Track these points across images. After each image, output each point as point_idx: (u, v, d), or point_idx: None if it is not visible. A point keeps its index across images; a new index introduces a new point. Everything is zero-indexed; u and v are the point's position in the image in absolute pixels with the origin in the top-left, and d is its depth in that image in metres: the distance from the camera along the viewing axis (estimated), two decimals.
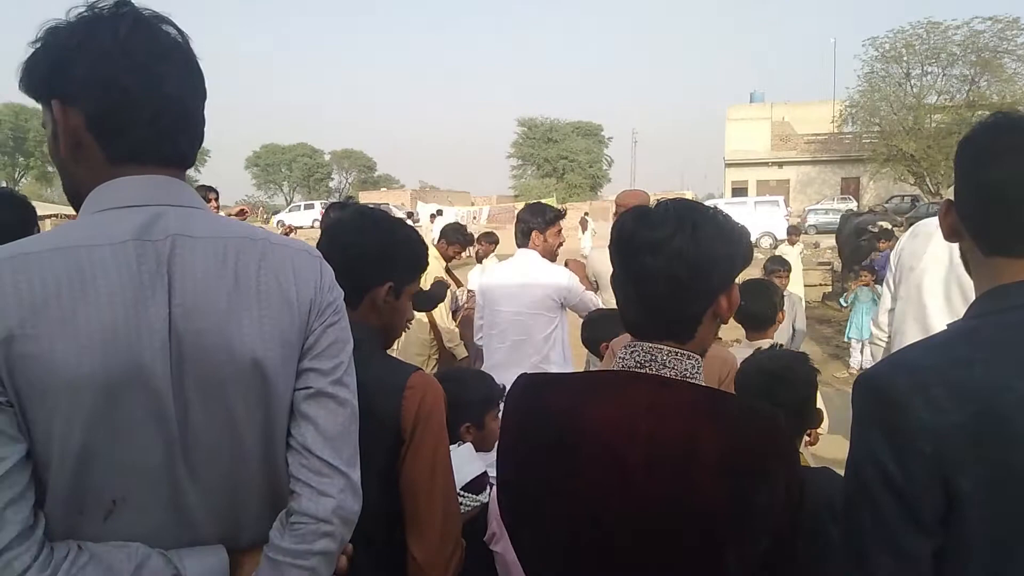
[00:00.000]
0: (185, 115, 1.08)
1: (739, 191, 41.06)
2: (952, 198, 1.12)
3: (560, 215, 3.79)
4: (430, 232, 16.43)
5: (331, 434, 1.09)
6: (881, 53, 32.32)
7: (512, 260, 3.76)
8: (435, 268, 5.40)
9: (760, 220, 24.12)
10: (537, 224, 3.65)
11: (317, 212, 39.39)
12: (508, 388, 1.28)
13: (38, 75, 1.03)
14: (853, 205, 31.59)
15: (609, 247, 1.21)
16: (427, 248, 1.65)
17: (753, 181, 42.52)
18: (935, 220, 2.94)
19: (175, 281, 1.00)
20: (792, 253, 11.14)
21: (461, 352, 5.00)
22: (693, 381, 1.13)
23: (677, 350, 1.14)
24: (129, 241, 0.98)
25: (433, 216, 24.98)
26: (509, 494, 1.26)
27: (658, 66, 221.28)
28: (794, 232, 11.81)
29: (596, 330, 3.09)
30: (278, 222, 38.72)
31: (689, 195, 48.99)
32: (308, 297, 1.09)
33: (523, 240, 3.66)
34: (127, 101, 1.01)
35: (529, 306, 3.56)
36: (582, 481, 1.11)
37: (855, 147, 38.47)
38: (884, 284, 3.15)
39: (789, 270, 5.57)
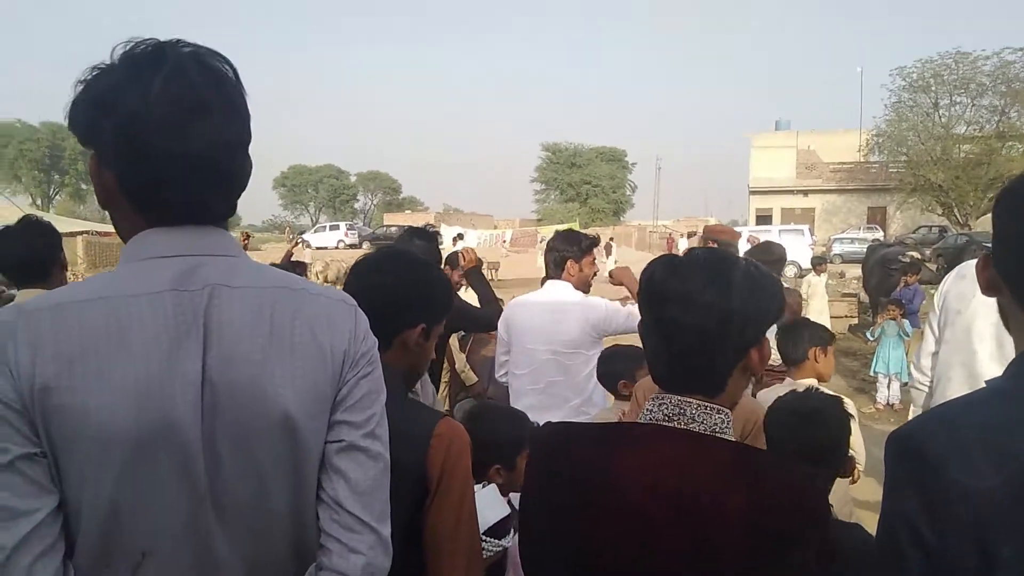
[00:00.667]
0: (217, 172, 1.04)
1: (764, 219, 40.82)
2: (990, 252, 1.10)
3: (595, 242, 3.51)
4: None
5: (362, 489, 1.07)
6: (909, 83, 32.18)
7: (543, 293, 3.42)
8: None
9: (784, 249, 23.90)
10: (573, 253, 3.35)
11: (342, 233, 39.82)
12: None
13: (77, 126, 1.04)
14: (879, 235, 31.28)
15: (639, 295, 1.19)
16: (453, 287, 1.63)
17: (778, 209, 42.26)
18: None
19: (211, 332, 0.99)
20: (819, 284, 10.98)
21: (471, 377, 4.98)
22: (723, 436, 1.11)
23: (706, 404, 1.11)
24: (167, 292, 0.98)
25: (455, 239, 25.12)
26: (531, 546, 1.25)
27: (683, 93, 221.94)
28: (820, 262, 11.66)
29: (613, 364, 2.97)
30: (300, 241, 39.28)
31: (712, 222, 48.83)
32: (342, 348, 1.08)
33: (556, 271, 3.37)
34: (152, 167, 0.99)
35: (565, 345, 3.24)
36: (605, 536, 1.09)
37: (882, 176, 38.18)
38: (927, 326, 3.03)
39: (798, 300, 5.54)
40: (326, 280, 13.25)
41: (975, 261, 2.86)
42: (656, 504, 1.06)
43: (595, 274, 3.49)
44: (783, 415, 1.96)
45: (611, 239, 25.94)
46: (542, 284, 3.55)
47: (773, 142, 45.28)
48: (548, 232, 40.14)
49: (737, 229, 28.78)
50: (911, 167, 32.03)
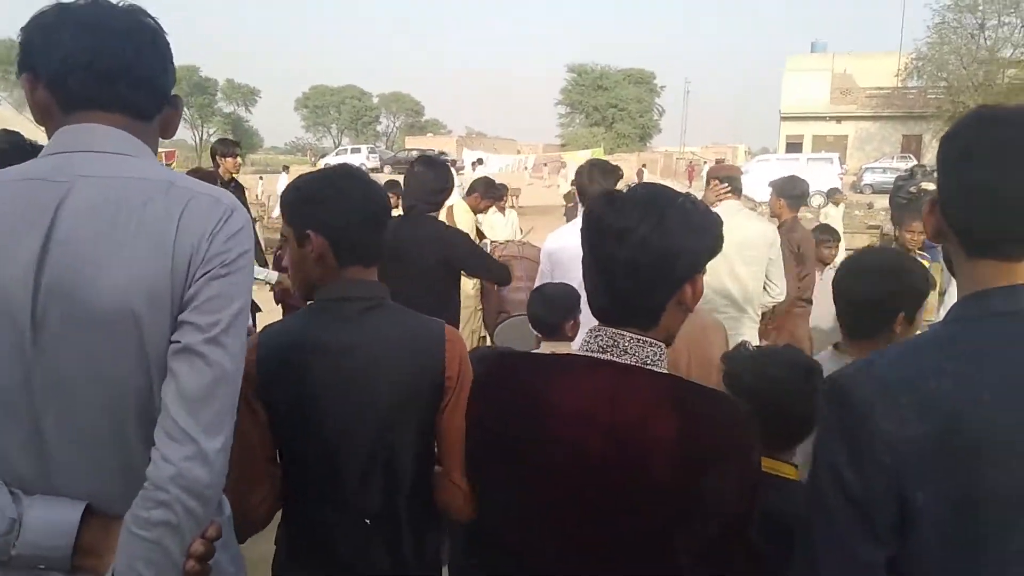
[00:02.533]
0: (127, 64, 1.13)
1: (794, 146, 39.73)
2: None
3: (620, 175, 3.52)
4: (471, 179, 16.26)
5: (191, 395, 1.04)
6: (955, 1, 30.60)
7: (580, 224, 3.41)
8: (466, 221, 5.38)
9: (812, 178, 23.30)
10: (609, 185, 3.35)
11: (364, 156, 39.60)
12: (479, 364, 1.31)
13: (20, 55, 1.16)
14: (913, 164, 30.44)
15: (582, 232, 1.23)
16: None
17: (809, 136, 41.09)
18: None
19: (58, 218, 1.04)
20: (836, 215, 10.83)
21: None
22: (653, 368, 1.15)
23: (640, 337, 1.15)
24: (36, 180, 1.08)
25: (475, 164, 24.84)
26: (474, 463, 1.33)
27: (716, 12, 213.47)
28: (836, 192, 11.54)
29: (555, 306, 2.76)
30: (324, 165, 38.97)
31: (742, 149, 47.71)
32: (190, 244, 1.06)
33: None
34: (67, 53, 1.10)
35: None
36: (541, 464, 1.14)
37: (919, 103, 36.76)
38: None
39: (838, 239, 5.33)
40: None
41: None
42: (590, 433, 1.11)
43: None
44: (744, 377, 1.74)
45: (643, 166, 25.64)
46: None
47: (807, 65, 43.58)
48: (572, 158, 39.49)
49: (763, 159, 28.12)
50: (950, 93, 30.85)
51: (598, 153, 43.99)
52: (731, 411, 1.15)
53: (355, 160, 39.33)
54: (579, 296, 2.76)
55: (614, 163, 3.60)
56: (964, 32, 31.05)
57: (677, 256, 1.13)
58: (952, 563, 0.94)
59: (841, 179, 22.33)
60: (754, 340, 3.88)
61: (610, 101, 59.14)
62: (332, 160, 39.38)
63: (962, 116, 1.04)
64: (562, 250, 3.37)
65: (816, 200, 22.59)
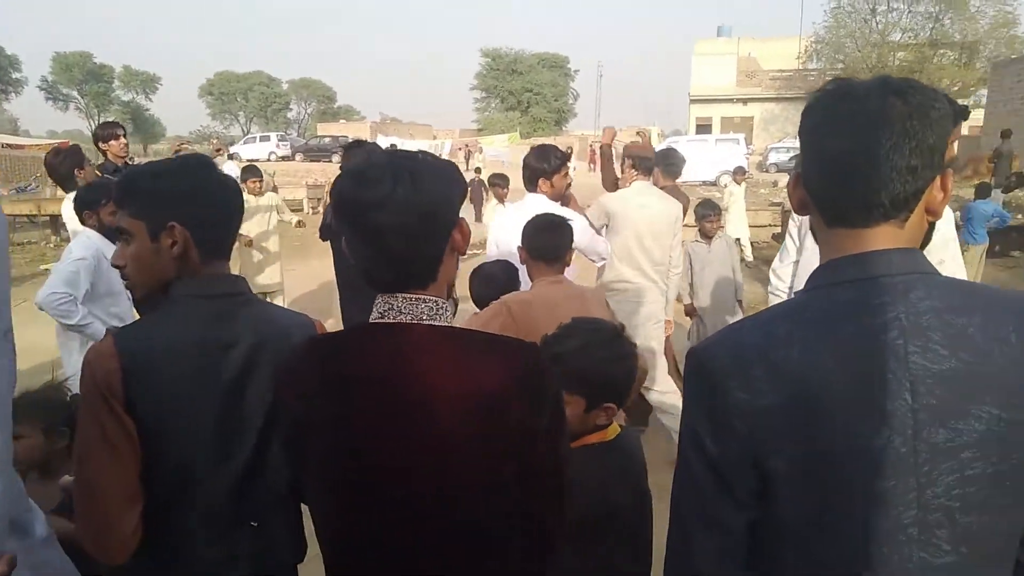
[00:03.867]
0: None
1: (704, 128, 40.91)
2: (799, 171, 1.09)
3: (567, 157, 3.69)
4: None
5: None
6: None
7: (522, 205, 3.59)
8: None
9: (720, 158, 24.10)
10: (544, 171, 3.57)
11: (273, 144, 38.28)
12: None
13: None
14: None
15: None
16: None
17: (718, 118, 42.39)
18: None
19: None
20: (739, 192, 11.45)
21: None
22: (430, 323, 1.18)
23: (413, 296, 1.19)
24: None
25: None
26: (290, 449, 1.29)
27: None
28: (740, 172, 12.27)
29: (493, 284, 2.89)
30: (232, 154, 37.62)
31: (655, 131, 48.81)
32: None
33: (531, 186, 3.61)
34: None
35: None
36: (344, 435, 1.16)
37: (819, 84, 38.13)
38: (788, 235, 3.10)
39: (719, 213, 5.57)
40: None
41: None
42: (381, 397, 1.14)
43: (568, 185, 3.72)
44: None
45: (570, 148, 26.11)
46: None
47: (714, 49, 44.91)
48: (489, 143, 39.52)
49: (674, 139, 29.00)
50: (847, 75, 32.17)
51: (514, 138, 44.16)
52: (516, 353, 1.19)
53: (265, 148, 37.96)
54: (516, 270, 2.90)
55: (530, 145, 3.78)
56: (858, 16, 32.57)
57: (439, 206, 1.18)
58: (808, 524, 0.98)
59: (747, 159, 23.11)
60: (659, 306, 4.22)
61: (525, 85, 59.30)
62: (240, 149, 37.95)
63: (816, 90, 1.06)
64: (503, 233, 3.52)
65: (724, 179, 23.44)
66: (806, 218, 2.83)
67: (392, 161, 1.18)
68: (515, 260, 3.22)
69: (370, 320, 1.21)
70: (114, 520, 1.28)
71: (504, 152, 36.46)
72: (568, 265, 2.84)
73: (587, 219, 3.87)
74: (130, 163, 5.07)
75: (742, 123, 41.02)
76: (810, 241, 2.85)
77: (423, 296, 1.19)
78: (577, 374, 1.66)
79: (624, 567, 1.71)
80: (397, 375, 1.14)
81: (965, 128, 20.04)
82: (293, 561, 1.47)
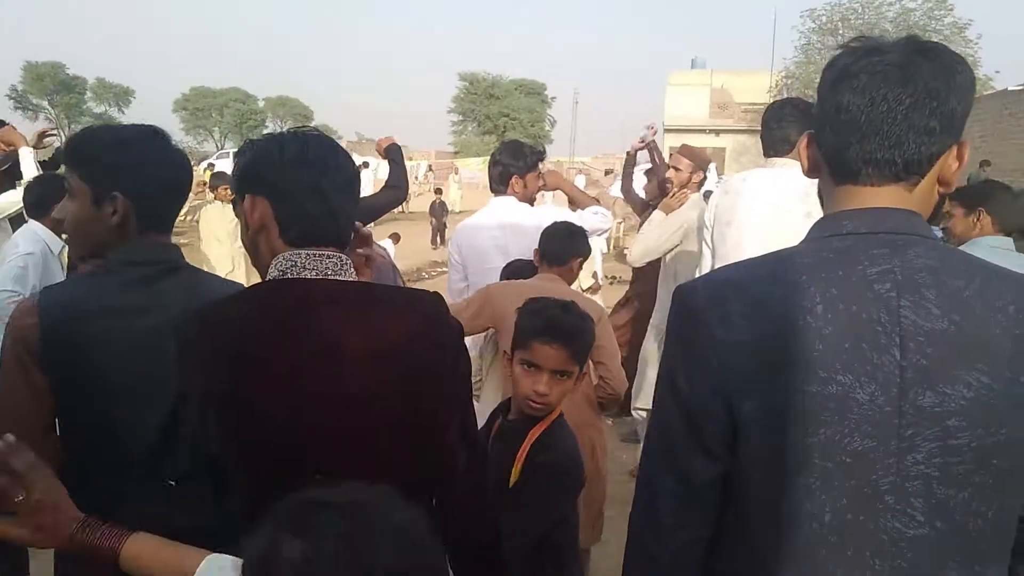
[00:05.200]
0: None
1: None
2: (813, 131, 1.06)
3: (541, 156, 3.51)
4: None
5: None
6: (818, 25, 32.92)
7: (491, 212, 3.36)
8: None
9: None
10: (518, 168, 3.35)
11: None
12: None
13: None
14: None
15: (269, 165, 1.23)
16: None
17: None
18: (745, 175, 2.98)
19: None
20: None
21: None
22: (335, 277, 1.19)
23: (316, 251, 1.19)
24: None
25: (360, 168, 24.48)
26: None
27: (603, 27, 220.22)
28: (707, 196, 12.42)
29: (560, 243, 2.86)
30: (207, 164, 37.22)
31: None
32: None
33: (500, 186, 3.35)
34: None
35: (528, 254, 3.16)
36: (251, 388, 1.14)
37: None
38: (702, 243, 3.10)
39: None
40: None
41: (738, 175, 3.05)
42: (295, 356, 1.13)
43: (541, 187, 3.50)
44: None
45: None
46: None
47: (688, 80, 45.61)
48: (464, 165, 39.63)
49: (646, 166, 29.48)
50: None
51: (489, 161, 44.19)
52: (420, 302, 1.22)
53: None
54: (535, 269, 2.88)
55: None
56: (828, 52, 33.33)
57: (358, 175, 1.29)
58: (777, 480, 0.93)
59: (718, 186, 23.38)
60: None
61: (502, 110, 59.64)
62: (216, 163, 37.56)
63: (840, 45, 1.03)
64: (470, 240, 3.35)
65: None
66: (719, 221, 2.86)
67: (325, 135, 1.27)
68: (479, 268, 3.27)
69: (268, 277, 1.21)
70: (38, 445, 1.31)
71: (479, 175, 36.66)
72: (574, 275, 2.85)
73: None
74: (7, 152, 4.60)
75: (714, 154, 40.63)
76: (721, 247, 2.85)
77: (326, 252, 1.19)
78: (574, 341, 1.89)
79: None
80: (303, 331, 1.13)
81: None
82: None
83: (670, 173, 4.26)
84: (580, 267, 2.87)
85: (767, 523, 0.94)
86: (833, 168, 1.01)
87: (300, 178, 1.18)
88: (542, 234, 2.82)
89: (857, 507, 0.90)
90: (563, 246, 2.80)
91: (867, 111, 0.94)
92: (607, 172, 28.49)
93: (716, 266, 2.91)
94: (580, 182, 18.54)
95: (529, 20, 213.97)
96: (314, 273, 1.17)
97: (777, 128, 2.83)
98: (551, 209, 3.50)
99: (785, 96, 37.15)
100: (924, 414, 0.88)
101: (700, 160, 4.16)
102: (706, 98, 44.38)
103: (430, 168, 34.00)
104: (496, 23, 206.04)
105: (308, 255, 1.18)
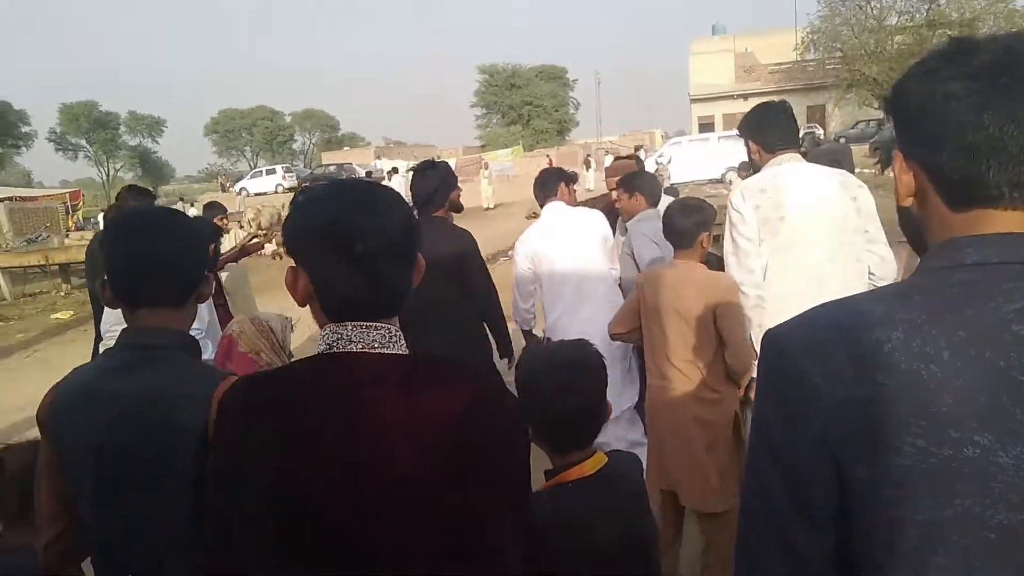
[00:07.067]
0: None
1: (706, 126, 40.70)
2: (898, 150, 0.92)
3: (572, 178, 4.01)
4: None
5: None
6: None
7: (550, 216, 3.76)
8: None
9: (724, 155, 23.93)
10: (565, 176, 3.90)
11: (279, 176, 38.54)
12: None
13: None
14: (820, 133, 31.55)
15: (314, 238, 1.13)
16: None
17: (719, 116, 42.15)
18: (773, 171, 2.77)
19: None
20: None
21: None
22: (382, 351, 1.11)
23: (364, 324, 1.12)
24: None
25: (389, 174, 24.61)
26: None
27: (618, 2, 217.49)
28: (744, 167, 12.04)
29: (689, 219, 2.87)
30: (240, 189, 37.87)
31: (659, 133, 48.63)
32: None
33: (549, 195, 3.78)
34: None
35: (594, 245, 3.66)
36: (281, 471, 1.06)
37: (819, 74, 38.18)
38: (732, 236, 2.85)
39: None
40: (259, 227, 12.42)
41: (764, 174, 2.76)
42: (332, 434, 1.06)
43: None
44: (547, 368, 1.65)
45: (588, 155, 27.85)
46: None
47: (710, 47, 44.81)
48: (492, 158, 39.57)
49: (679, 139, 29.07)
50: (846, 62, 32.13)
51: (518, 151, 44.26)
52: (471, 381, 1.13)
53: (272, 181, 38.27)
54: (714, 211, 2.96)
55: (534, 158, 3.99)
56: (852, 3, 32.41)
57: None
58: (898, 561, 0.80)
59: None
60: None
61: (524, 99, 59.36)
62: (248, 184, 38.22)
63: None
64: (541, 248, 3.70)
65: (729, 176, 23.26)
66: (766, 220, 2.76)
67: (375, 188, 1.17)
68: (558, 274, 3.65)
69: (317, 351, 1.14)
70: (41, 529, 1.45)
71: (508, 166, 36.59)
72: (704, 250, 2.85)
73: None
74: None
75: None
76: (776, 241, 2.69)
77: (374, 324, 1.13)
78: (526, 407, 1.54)
79: None
80: (346, 408, 1.07)
81: None
82: None
83: (613, 196, 4.27)
84: (710, 239, 2.87)
85: None
86: (949, 193, 0.87)
87: (330, 251, 1.09)
88: (663, 221, 2.92)
89: None
90: (683, 226, 2.81)
91: (1008, 129, 0.81)
92: (637, 148, 28.11)
93: (771, 261, 2.74)
94: (608, 161, 18.47)
95: (543, 4, 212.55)
96: (360, 346, 1.11)
97: (769, 129, 2.87)
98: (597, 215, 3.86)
99: (812, 53, 36.36)
100: None
101: (625, 169, 4.33)
102: (731, 63, 43.50)
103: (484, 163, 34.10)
104: (511, 10, 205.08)
105: (355, 327, 1.12)
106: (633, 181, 3.89)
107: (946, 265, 0.84)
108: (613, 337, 3.12)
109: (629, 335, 3.06)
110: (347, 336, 1.11)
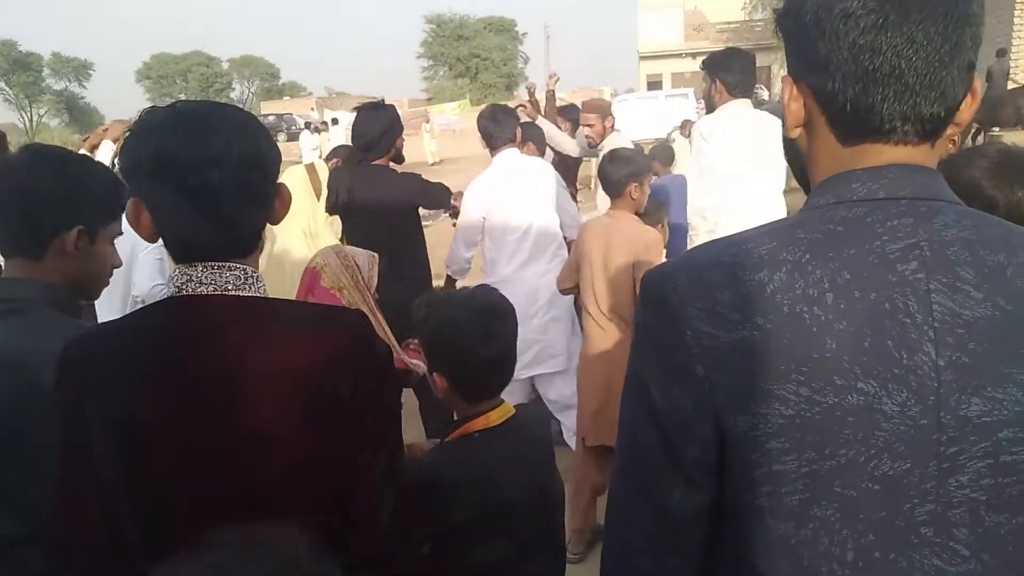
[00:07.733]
0: None
1: (654, 85, 40.73)
2: (794, 73, 0.83)
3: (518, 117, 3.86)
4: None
5: None
6: None
7: (500, 166, 3.64)
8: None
9: (671, 114, 24.01)
10: (517, 121, 3.77)
11: None
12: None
13: None
14: (765, 95, 31.79)
15: (143, 171, 1.02)
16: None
17: (668, 74, 42.20)
18: (727, 111, 3.27)
19: None
20: (683, 144, 11.62)
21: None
22: (237, 293, 1.04)
23: (216, 264, 1.04)
24: None
25: (325, 124, 23.91)
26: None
27: None
28: (685, 124, 12.19)
29: (620, 169, 2.98)
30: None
31: (608, 91, 48.54)
32: None
33: (506, 140, 3.64)
34: None
35: (548, 199, 3.65)
36: (127, 423, 1.01)
37: (766, 35, 38.45)
38: (696, 165, 3.22)
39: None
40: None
41: (715, 114, 3.29)
42: (176, 384, 1.01)
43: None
44: (468, 316, 1.55)
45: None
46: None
47: (659, 3, 44.58)
48: (439, 111, 38.88)
49: (626, 97, 29.18)
50: None
51: (464, 105, 43.53)
52: (338, 323, 1.08)
53: None
54: (646, 162, 3.16)
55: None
56: None
57: (272, 164, 1.07)
58: (783, 515, 0.76)
59: (698, 113, 23.00)
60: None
61: (472, 51, 58.40)
62: None
63: None
64: (493, 198, 3.56)
65: (674, 134, 23.35)
66: (720, 142, 3.11)
67: (216, 110, 1.05)
68: (511, 224, 3.55)
69: (168, 294, 1.07)
70: None
71: (454, 120, 35.97)
72: (636, 202, 2.95)
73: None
74: None
75: (692, 78, 40.76)
76: (720, 180, 3.08)
77: (227, 263, 1.04)
78: (426, 346, 1.60)
79: (533, 570, 1.52)
80: (195, 353, 1.00)
81: None
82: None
83: (586, 131, 4.37)
84: (640, 190, 2.93)
85: (772, 566, 0.77)
86: (846, 124, 0.80)
87: (163, 185, 0.98)
88: (598, 169, 3.05)
89: (887, 543, 0.74)
90: (614, 176, 2.89)
91: (906, 54, 0.73)
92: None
93: (698, 181, 3.16)
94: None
95: None
96: (211, 288, 1.03)
97: (736, 72, 3.50)
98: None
99: (760, 13, 36.58)
100: (969, 426, 0.72)
101: (603, 109, 4.41)
102: (680, 21, 43.41)
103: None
104: None
105: (206, 268, 1.03)
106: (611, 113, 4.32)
107: (832, 201, 0.79)
108: (562, 291, 3.20)
109: (576, 289, 3.12)
110: (197, 278, 1.03)
